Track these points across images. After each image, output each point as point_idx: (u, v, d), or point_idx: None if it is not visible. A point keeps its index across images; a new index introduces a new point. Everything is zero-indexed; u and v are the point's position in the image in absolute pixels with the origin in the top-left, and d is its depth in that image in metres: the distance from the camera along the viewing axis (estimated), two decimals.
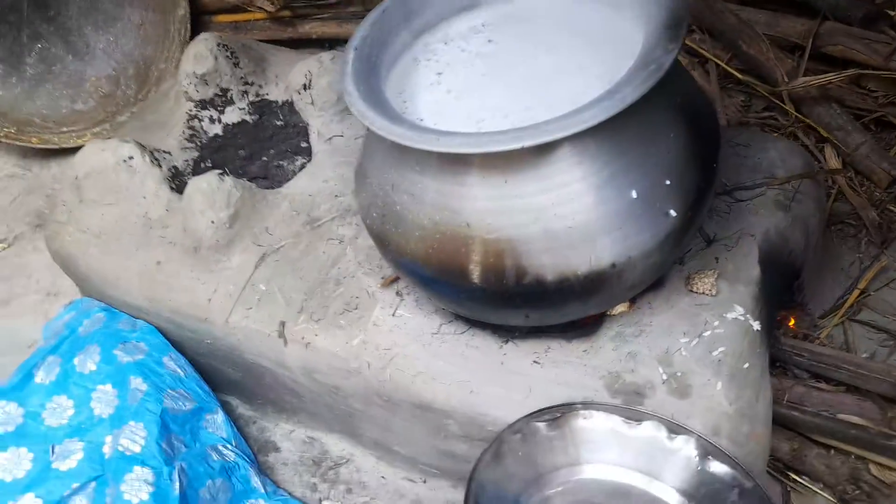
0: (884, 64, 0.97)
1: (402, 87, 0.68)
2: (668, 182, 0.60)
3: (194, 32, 1.45)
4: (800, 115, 1.04)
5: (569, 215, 0.58)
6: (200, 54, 1.05)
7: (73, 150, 1.42)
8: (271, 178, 1.06)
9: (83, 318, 0.99)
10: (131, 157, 0.97)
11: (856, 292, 0.93)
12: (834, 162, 1.02)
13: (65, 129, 1.43)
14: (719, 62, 1.12)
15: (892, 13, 1.03)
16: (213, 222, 0.85)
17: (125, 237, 0.94)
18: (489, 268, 0.61)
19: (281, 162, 1.07)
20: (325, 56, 0.98)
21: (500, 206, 0.59)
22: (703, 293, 0.71)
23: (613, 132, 0.56)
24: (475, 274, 0.61)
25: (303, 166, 1.04)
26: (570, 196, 0.58)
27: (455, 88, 0.67)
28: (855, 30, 1.00)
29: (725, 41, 1.11)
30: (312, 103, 0.99)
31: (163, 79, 1.44)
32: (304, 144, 1.06)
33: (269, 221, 0.89)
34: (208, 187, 0.86)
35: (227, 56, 1.07)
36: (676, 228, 0.62)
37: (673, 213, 0.61)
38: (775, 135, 1.06)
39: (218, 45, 1.06)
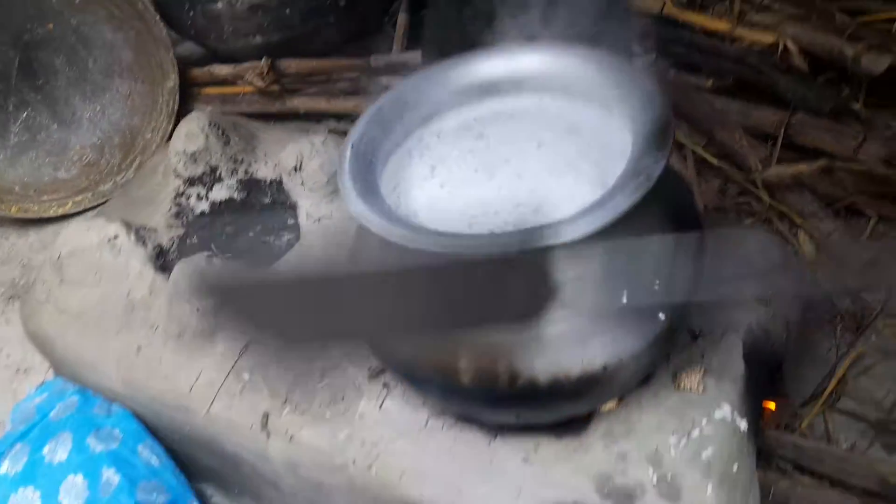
0: (852, 156, 1.01)
1: (397, 181, 0.69)
2: (656, 285, 0.61)
3: (182, 104, 1.47)
4: (774, 202, 1.08)
5: (561, 319, 0.59)
6: (192, 133, 1.06)
7: (53, 220, 1.42)
8: (257, 254, 1.06)
9: (56, 401, 0.96)
10: (116, 237, 0.96)
11: (834, 381, 0.95)
12: (808, 247, 1.06)
13: (45, 197, 1.42)
14: (695, 148, 1.16)
15: (856, 106, 1.08)
16: (198, 309, 0.84)
17: (106, 319, 0.92)
18: (481, 371, 0.61)
19: (267, 238, 1.07)
20: (317, 138, 0.99)
21: None
22: (691, 390, 0.72)
23: (604, 236, 0.57)
24: (467, 377, 0.61)
25: (289, 242, 1.05)
26: (561, 302, 0.59)
27: (448, 183, 0.69)
28: (824, 122, 1.05)
29: (701, 128, 1.15)
30: (302, 184, 1.00)
31: (148, 148, 1.45)
32: (291, 221, 1.07)
33: None
34: (195, 271, 0.85)
35: (218, 135, 1.08)
36: (665, 330, 0.63)
37: (662, 316, 0.62)
38: (750, 220, 1.10)
39: (210, 123, 1.07)
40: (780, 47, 1.06)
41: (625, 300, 0.60)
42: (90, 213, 1.07)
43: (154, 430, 0.90)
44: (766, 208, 1.08)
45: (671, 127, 0.58)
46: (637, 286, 0.60)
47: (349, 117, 1.47)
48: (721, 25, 1.12)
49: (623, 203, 0.54)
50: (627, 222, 0.58)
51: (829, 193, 1.08)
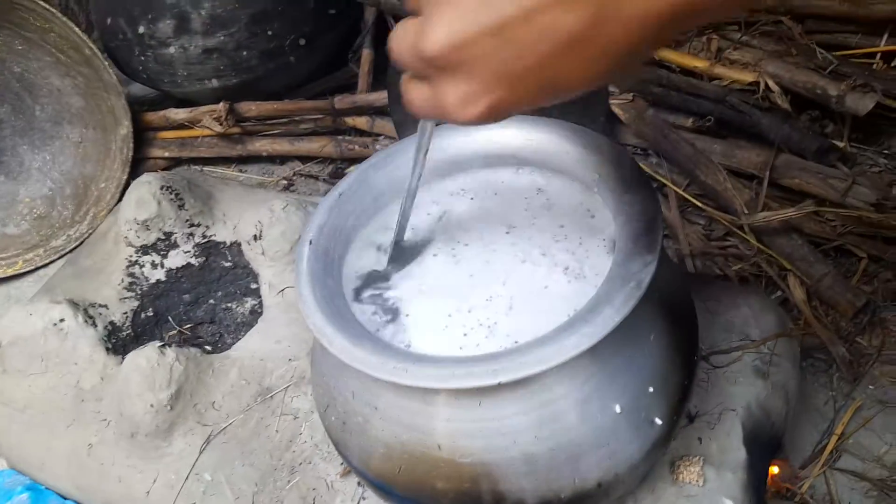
0: (840, 199, 0.97)
1: (359, 272, 0.63)
2: (651, 389, 0.56)
3: (137, 149, 1.39)
4: (762, 247, 1.04)
5: (550, 437, 0.53)
6: (142, 199, 0.98)
7: (2, 280, 1.33)
8: (219, 323, 0.99)
9: (4, 500, 0.89)
10: (62, 320, 0.89)
11: (834, 438, 0.90)
12: (799, 293, 1.01)
13: None
14: (677, 189, 1.12)
15: (841, 145, 1.04)
16: (152, 406, 0.77)
17: (53, 412, 0.85)
18: (464, 493, 0.55)
19: (229, 304, 1.00)
20: (277, 204, 0.93)
21: (474, 429, 0.53)
22: (690, 483, 0.66)
23: (593, 347, 0.52)
24: (448, 498, 0.56)
25: (253, 309, 0.98)
26: (551, 416, 0.53)
27: (414, 276, 0.62)
28: (810, 164, 1.00)
29: (683, 168, 1.11)
30: (263, 253, 0.94)
31: (102, 198, 1.37)
32: (253, 286, 1.00)
33: (215, 395, 0.82)
34: (147, 364, 0.78)
35: (172, 199, 1.01)
36: (663, 434, 0.58)
37: (658, 420, 0.57)
38: (738, 265, 1.05)
39: (161, 188, 1.00)
40: (762, 86, 1.01)
41: (618, 410, 0.55)
42: (34, 297, 0.98)
43: None
44: (754, 253, 1.04)
45: (660, 224, 0.52)
46: (630, 393, 0.55)
47: (314, 159, 1.41)
48: (699, 63, 1.07)
49: (612, 318, 0.49)
50: (618, 328, 0.52)
51: (818, 234, 1.04)
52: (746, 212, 1.01)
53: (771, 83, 1.01)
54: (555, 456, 0.54)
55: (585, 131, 0.61)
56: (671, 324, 0.59)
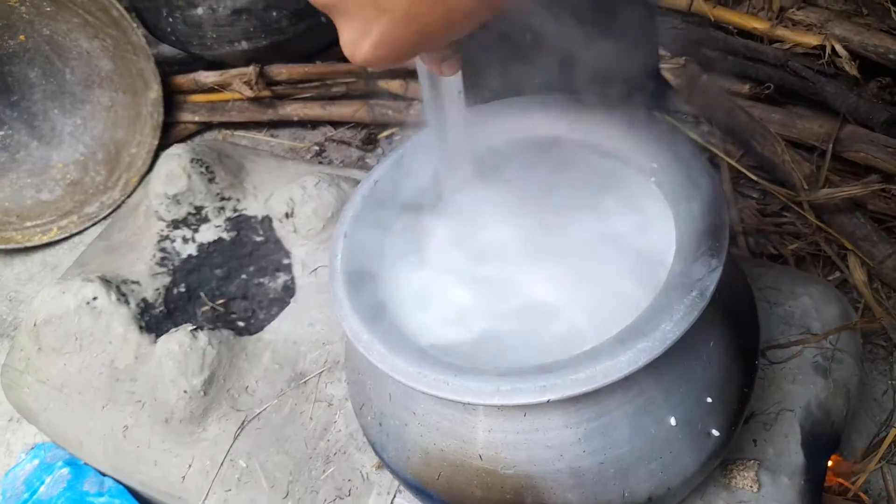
0: None
1: (395, 269, 0.60)
2: (709, 399, 0.52)
3: (168, 113, 1.37)
4: (821, 225, 0.97)
5: (599, 450, 0.50)
6: (172, 173, 0.96)
7: (39, 248, 1.34)
8: (251, 299, 0.97)
9: (44, 474, 0.90)
10: (95, 298, 0.88)
11: (893, 431, 0.85)
12: (859, 274, 0.95)
13: (28, 223, 1.34)
14: (730, 161, 1.05)
15: None
16: (185, 392, 0.76)
17: (89, 391, 0.84)
18: None
19: (261, 279, 0.98)
20: (309, 181, 0.89)
21: (518, 441, 0.50)
22: (743, 488, 0.63)
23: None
24: None
25: (285, 285, 0.96)
26: (601, 429, 0.50)
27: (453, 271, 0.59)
28: (878, 136, 0.93)
29: (737, 139, 1.04)
30: (295, 231, 0.91)
31: (134, 164, 1.35)
32: (286, 261, 0.98)
33: (249, 379, 0.80)
34: (179, 350, 0.77)
35: (202, 172, 0.98)
36: (719, 446, 0.54)
37: (716, 432, 0.53)
38: (794, 244, 0.99)
39: (192, 160, 0.97)
40: (827, 50, 0.93)
41: (673, 423, 0.51)
42: (67, 272, 0.97)
43: None
44: (812, 231, 0.97)
45: (726, 226, 0.48)
46: (686, 405, 0.51)
47: (346, 124, 1.36)
48: (758, 24, 0.99)
49: (672, 332, 0.44)
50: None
51: (882, 211, 0.96)
52: (806, 187, 0.94)
53: (838, 47, 0.93)
54: (604, 470, 0.51)
55: (642, 115, 0.56)
56: (732, 328, 0.54)
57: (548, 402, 0.44)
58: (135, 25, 1.27)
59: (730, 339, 0.54)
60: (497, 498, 0.52)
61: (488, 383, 0.46)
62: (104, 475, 0.86)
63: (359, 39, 0.37)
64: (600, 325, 0.50)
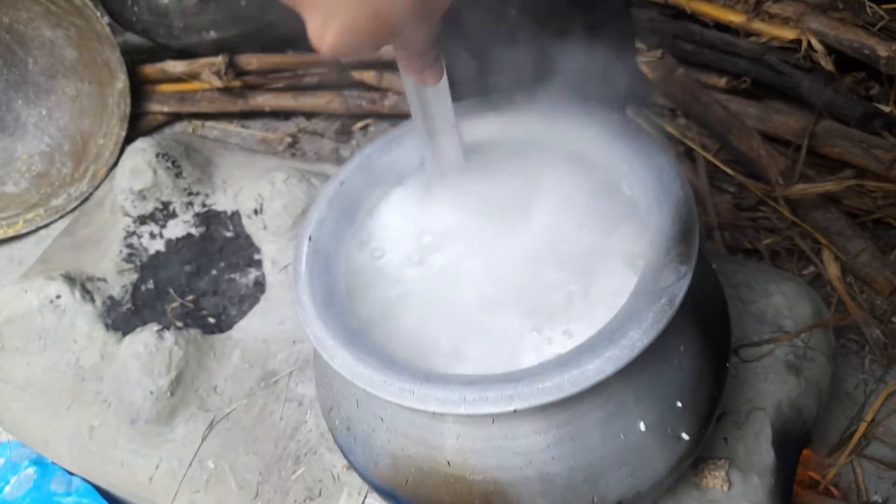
0: (884, 172, 0.90)
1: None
2: (679, 404, 0.52)
3: (136, 104, 1.34)
4: (796, 220, 0.97)
5: (568, 456, 0.49)
6: (137, 168, 0.93)
7: (4, 241, 1.30)
8: (222, 295, 0.95)
9: (10, 474, 0.88)
10: (59, 297, 0.85)
11: (863, 425, 0.86)
12: (833, 269, 0.96)
13: None
14: (706, 155, 1.05)
15: (888, 109, 0.96)
16: (152, 392, 0.74)
17: (54, 391, 0.82)
18: None
19: (232, 275, 0.96)
20: (278, 177, 0.87)
21: (486, 447, 0.50)
22: (714, 488, 0.63)
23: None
24: None
25: (257, 280, 0.94)
26: (570, 435, 0.49)
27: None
28: (853, 132, 0.93)
29: (713, 133, 1.03)
30: (265, 228, 0.89)
31: (101, 156, 1.32)
32: (256, 256, 0.96)
33: (217, 378, 0.79)
34: (145, 350, 0.75)
35: (168, 167, 0.95)
36: (689, 449, 0.53)
37: (685, 436, 0.53)
38: (769, 238, 0.99)
39: (157, 155, 0.94)
40: (803, 44, 0.93)
41: (643, 428, 0.50)
42: (30, 269, 0.95)
43: None
44: (787, 226, 0.97)
45: (696, 231, 0.47)
46: (656, 410, 0.51)
47: (319, 115, 1.34)
48: (735, 17, 0.98)
49: (640, 340, 0.44)
50: None
51: (857, 206, 0.97)
52: (782, 182, 0.94)
53: (814, 41, 0.93)
54: (573, 476, 0.50)
55: (615, 117, 0.55)
56: (703, 332, 0.54)
57: (514, 411, 0.43)
58: (99, 14, 1.23)
59: (701, 343, 0.53)
60: (466, 503, 0.52)
61: (454, 392, 0.45)
62: (72, 474, 0.84)
63: (322, 30, 0.38)
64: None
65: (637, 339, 0.44)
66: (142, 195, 0.93)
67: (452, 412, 0.44)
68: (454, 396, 0.45)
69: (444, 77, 0.49)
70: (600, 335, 0.45)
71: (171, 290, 0.95)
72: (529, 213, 0.57)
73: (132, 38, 1.39)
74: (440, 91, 0.50)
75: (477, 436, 0.49)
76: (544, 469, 0.50)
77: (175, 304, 0.93)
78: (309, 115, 1.34)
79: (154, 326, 0.77)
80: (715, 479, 0.63)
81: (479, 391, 0.44)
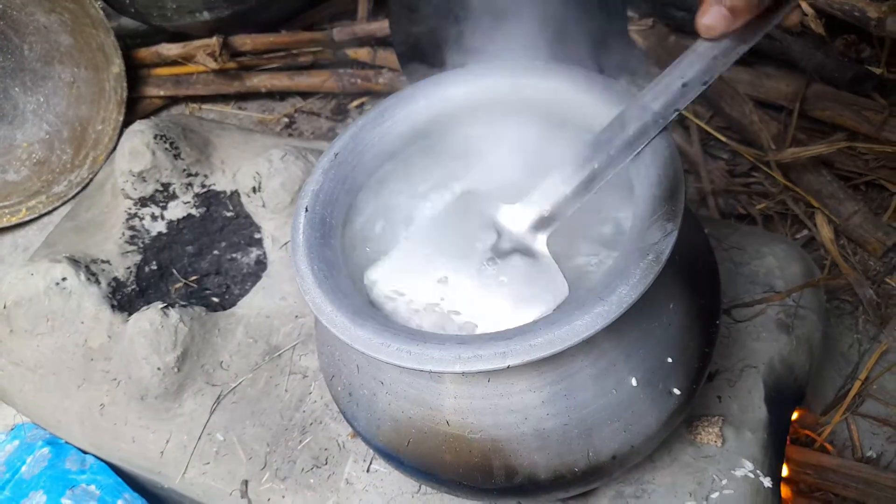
0: (875, 133, 0.91)
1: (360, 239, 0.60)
2: (669, 360, 0.53)
3: (132, 88, 1.35)
4: (788, 184, 0.98)
5: (562, 412, 0.51)
6: (136, 150, 0.94)
7: (7, 229, 1.32)
8: (224, 274, 0.97)
9: (25, 454, 0.90)
10: (64, 279, 0.87)
11: (857, 383, 0.88)
12: (826, 232, 0.97)
13: None
14: (699, 122, 1.05)
15: (879, 71, 0.97)
16: (159, 369, 0.76)
17: (63, 371, 0.84)
18: (474, 467, 0.53)
19: (234, 255, 0.98)
20: (275, 154, 0.88)
21: (483, 406, 0.51)
22: (708, 443, 0.65)
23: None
24: (459, 472, 0.54)
25: (258, 259, 0.96)
26: (564, 392, 0.51)
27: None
28: (844, 94, 0.93)
29: (705, 99, 1.04)
30: (264, 206, 0.90)
31: (101, 141, 1.33)
32: (257, 235, 0.97)
33: (223, 354, 0.80)
34: (151, 327, 0.76)
35: (167, 148, 0.96)
36: (682, 403, 0.55)
37: (677, 391, 0.54)
38: (762, 203, 1.00)
39: (155, 137, 0.95)
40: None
41: (634, 383, 0.52)
42: (35, 253, 0.96)
43: (133, 481, 0.84)
44: (780, 190, 0.98)
45: (682, 191, 0.48)
46: (647, 365, 0.52)
47: (315, 94, 1.35)
48: None
49: (628, 295, 0.45)
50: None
51: (848, 169, 0.98)
52: (774, 147, 0.95)
53: (804, 5, 0.93)
54: (567, 431, 0.52)
55: (600, 78, 0.56)
56: (692, 289, 0.55)
57: (508, 367, 0.45)
58: None
59: (689, 300, 0.55)
60: (465, 462, 0.53)
61: (449, 351, 0.46)
62: (85, 453, 0.86)
63: None
64: None
65: (625, 295, 0.45)
66: (141, 177, 0.95)
67: (448, 370, 0.46)
68: (449, 356, 0.46)
69: None
70: (589, 291, 0.47)
71: (175, 271, 0.97)
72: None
73: (126, 21, 1.39)
74: None
75: (474, 395, 0.51)
76: (539, 425, 0.51)
77: (179, 285, 0.95)
78: (305, 94, 1.35)
79: (159, 304, 0.79)
80: (709, 435, 0.65)
81: (473, 349, 0.46)
